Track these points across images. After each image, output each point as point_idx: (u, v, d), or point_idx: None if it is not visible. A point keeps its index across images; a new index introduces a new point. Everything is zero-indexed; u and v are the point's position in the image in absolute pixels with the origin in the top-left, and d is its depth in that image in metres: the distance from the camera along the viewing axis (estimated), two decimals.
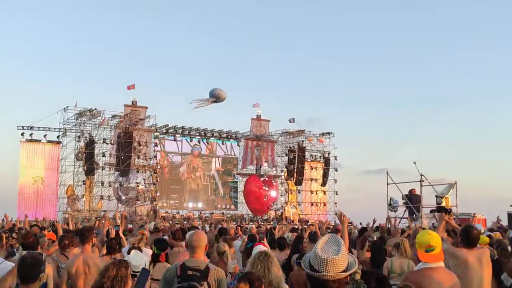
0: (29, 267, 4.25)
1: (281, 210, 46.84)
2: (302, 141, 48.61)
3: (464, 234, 6.01)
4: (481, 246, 6.46)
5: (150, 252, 7.27)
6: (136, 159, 40.75)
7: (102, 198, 39.26)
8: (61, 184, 39.61)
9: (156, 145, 42.57)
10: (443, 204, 24.39)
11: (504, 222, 16.89)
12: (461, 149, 76.36)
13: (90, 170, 39.14)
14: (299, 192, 48.95)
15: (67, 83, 75.02)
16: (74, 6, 76.28)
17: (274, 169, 48.91)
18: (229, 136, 47.78)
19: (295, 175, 47.73)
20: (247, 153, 47.74)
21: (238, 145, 48.64)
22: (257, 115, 48.35)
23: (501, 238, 9.40)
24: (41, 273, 4.26)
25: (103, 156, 39.50)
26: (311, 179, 49.05)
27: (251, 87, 77.89)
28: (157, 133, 43.43)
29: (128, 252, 7.47)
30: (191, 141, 45.79)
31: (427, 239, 4.75)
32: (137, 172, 40.75)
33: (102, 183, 39.35)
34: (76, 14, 76.25)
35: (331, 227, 18.76)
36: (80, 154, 39.71)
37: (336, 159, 48.09)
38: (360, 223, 19.06)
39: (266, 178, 48.20)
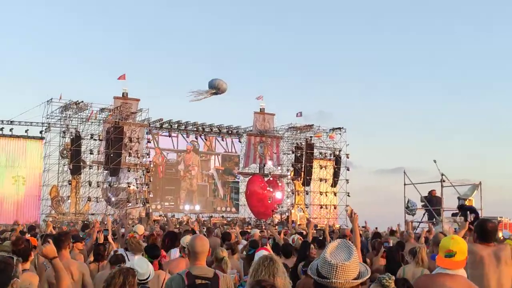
0: None
1: (287, 214, 46.77)
2: (311, 137, 48.55)
3: (479, 228, 6.06)
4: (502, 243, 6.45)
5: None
6: (127, 157, 40.76)
7: (89, 199, 39.30)
8: (44, 185, 39.69)
9: (149, 142, 42.61)
10: None
11: None
12: (487, 146, 76.31)
13: (76, 169, 39.18)
14: (307, 194, 48.93)
15: (51, 73, 75.26)
16: None
17: (279, 168, 48.91)
18: (230, 132, 47.78)
19: (302, 175, 47.69)
20: (249, 150, 47.74)
21: (239, 141, 48.64)
22: (260, 108, 48.31)
23: None
24: (11, 280, 3.98)
25: (91, 153, 39.53)
26: (320, 179, 49.01)
27: (254, 77, 78.00)
28: (150, 128, 43.45)
29: (114, 258, 7.47)
30: (187, 137, 45.79)
31: (448, 243, 4.75)
32: (128, 171, 40.77)
33: (90, 183, 39.39)
34: None
35: (335, 230, 18.68)
36: (65, 151, 39.76)
37: (348, 157, 48.05)
38: (376, 228, 19.04)
39: (271, 178, 48.18)
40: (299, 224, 36.57)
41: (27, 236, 10.95)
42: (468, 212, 19.04)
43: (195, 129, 46.01)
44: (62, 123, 39.86)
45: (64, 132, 39.68)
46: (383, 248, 9.22)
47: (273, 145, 48.21)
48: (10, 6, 72.04)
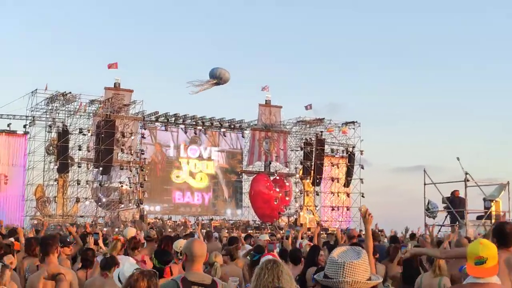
0: None
1: (295, 216, 46.82)
2: (321, 132, 48.51)
3: (497, 232, 6.12)
4: None
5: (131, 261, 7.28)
6: (119, 154, 40.82)
7: (78, 200, 39.38)
8: (29, 184, 39.78)
9: (143, 137, 42.63)
10: (493, 209, 24.28)
11: None
12: None
13: (63, 167, 39.25)
14: (317, 194, 48.91)
15: (36, 61, 75.34)
16: None
17: (286, 166, 48.88)
18: (232, 126, 47.74)
19: (312, 174, 47.66)
20: (253, 147, 47.72)
21: (242, 136, 48.63)
22: (266, 100, 48.25)
23: None
24: None
25: (79, 149, 39.61)
26: (332, 179, 48.99)
27: (259, 66, 77.85)
28: (145, 122, 43.49)
29: (104, 261, 7.49)
30: (185, 132, 45.77)
31: (476, 249, 4.74)
32: (121, 169, 40.83)
33: (78, 183, 39.47)
34: None
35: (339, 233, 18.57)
36: (51, 147, 39.83)
37: (362, 154, 48.01)
38: (393, 231, 18.97)
39: (277, 177, 48.17)
40: (309, 228, 36.61)
41: (9, 240, 10.97)
42: None
43: (194, 123, 45.97)
44: (48, 116, 39.95)
45: (50, 126, 39.75)
46: (399, 253, 9.21)
47: (279, 141, 48.18)
48: None
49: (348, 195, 48.95)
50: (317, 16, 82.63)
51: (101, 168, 39.57)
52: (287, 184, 48.55)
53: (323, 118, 47.77)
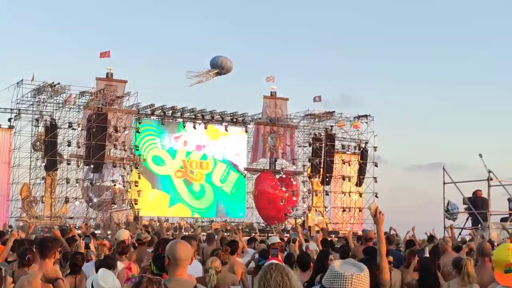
0: None
1: (302, 218, 46.85)
2: (331, 126, 48.50)
3: None
4: None
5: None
6: (112, 150, 40.86)
7: (67, 200, 39.43)
8: (14, 182, 39.83)
9: (138, 131, 42.64)
10: None
11: None
12: None
13: (51, 164, 39.32)
14: (326, 194, 48.93)
15: (21, 49, 75.36)
16: None
17: (293, 163, 48.89)
18: (235, 120, 47.76)
19: (321, 172, 47.69)
20: (258, 142, 47.73)
21: (246, 131, 48.63)
22: (271, 91, 48.25)
23: None
24: None
25: (69, 145, 39.66)
26: (343, 177, 48.98)
27: (263, 55, 77.78)
28: (140, 116, 43.52)
29: (100, 263, 7.50)
30: (184, 126, 45.79)
31: (505, 256, 4.71)
32: (114, 166, 40.90)
33: (68, 181, 39.53)
34: None
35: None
36: (38, 143, 39.87)
37: (375, 151, 48.00)
38: (409, 232, 18.79)
39: (283, 176, 48.20)
40: (317, 231, 36.57)
41: None
42: None
43: (193, 116, 45.99)
44: (34, 109, 39.98)
45: (37, 120, 39.78)
46: (416, 258, 9.19)
47: (286, 136, 48.18)
48: None
49: (360, 195, 48.94)
50: (326, 1, 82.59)
51: (92, 166, 39.62)
52: (294, 183, 48.56)
53: (334, 111, 47.76)
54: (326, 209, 48.74)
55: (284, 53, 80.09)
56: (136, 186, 41.39)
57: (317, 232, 34.53)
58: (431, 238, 14.91)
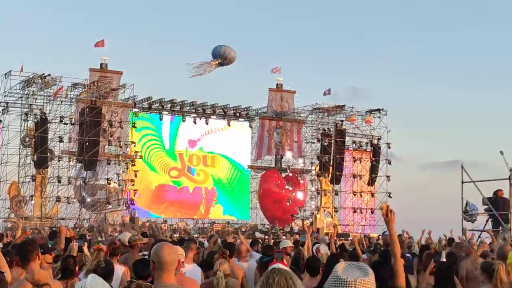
0: None
1: (310, 219, 46.86)
2: (342, 121, 48.49)
3: None
4: None
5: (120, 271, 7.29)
6: (107, 146, 40.91)
7: (58, 200, 39.50)
8: (2, 181, 40.00)
9: (134, 126, 42.67)
10: None
11: None
12: None
13: (41, 161, 39.37)
14: (336, 194, 48.92)
15: (10, 38, 75.41)
16: None
17: (301, 161, 48.93)
18: (238, 114, 47.81)
19: (330, 170, 47.68)
20: (263, 138, 47.77)
21: (250, 126, 48.67)
22: (277, 84, 48.26)
23: None
24: None
25: (60, 141, 39.70)
26: (354, 176, 49.00)
27: (268, 44, 77.73)
28: (136, 109, 43.58)
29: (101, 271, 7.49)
30: (183, 121, 45.85)
31: None
32: (108, 164, 40.96)
33: (59, 180, 39.59)
34: None
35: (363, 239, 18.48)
36: (27, 139, 39.95)
37: (389, 147, 47.96)
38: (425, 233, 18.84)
39: (290, 174, 48.23)
40: (326, 233, 36.60)
41: None
42: None
43: (194, 110, 46.05)
44: (23, 102, 40.04)
45: (26, 113, 39.84)
46: (432, 262, 9.20)
47: (293, 132, 48.22)
48: None
49: (372, 195, 48.95)
50: None
51: (85, 163, 39.66)
52: (301, 182, 48.62)
53: (344, 105, 47.76)
54: (336, 210, 48.75)
55: (290, 42, 79.98)
56: (133, 184, 41.46)
57: (326, 234, 34.60)
58: (451, 241, 14.90)
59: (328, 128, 48.47)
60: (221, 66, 41.49)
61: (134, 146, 42.46)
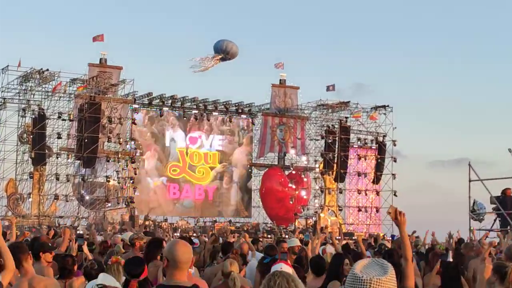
0: None
1: (314, 218, 46.85)
2: (346, 118, 48.45)
3: None
4: None
5: None
6: (106, 143, 40.89)
7: (56, 198, 39.48)
8: None
9: (134, 122, 42.64)
10: None
11: None
12: None
13: (39, 158, 39.36)
14: (340, 192, 48.92)
15: (7, 33, 75.45)
16: None
17: (304, 158, 48.89)
18: (240, 110, 47.77)
19: (335, 168, 47.64)
20: (265, 135, 47.74)
21: (252, 123, 48.63)
22: (280, 79, 48.21)
23: None
24: None
25: (59, 137, 39.68)
26: (359, 174, 48.97)
27: (271, 39, 77.66)
28: (136, 105, 43.55)
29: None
30: (184, 117, 45.81)
31: None
32: (107, 161, 40.93)
33: (57, 177, 39.56)
34: None
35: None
36: (25, 135, 39.96)
37: (395, 145, 47.93)
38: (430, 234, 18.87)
39: (293, 172, 48.19)
40: (330, 232, 36.63)
41: None
42: None
43: (195, 106, 46.01)
44: (21, 97, 40.04)
45: (24, 109, 39.84)
46: (439, 262, 9.22)
47: (296, 128, 48.18)
48: None
49: (377, 193, 48.89)
50: None
51: (84, 160, 39.66)
52: (305, 180, 48.57)
53: (349, 101, 47.73)
54: (340, 209, 48.73)
55: (294, 37, 79.91)
56: (132, 182, 41.42)
57: (330, 233, 34.64)
58: (461, 241, 14.89)
59: (332, 125, 48.40)
60: (223, 61, 41.51)
61: (134, 143, 42.38)
